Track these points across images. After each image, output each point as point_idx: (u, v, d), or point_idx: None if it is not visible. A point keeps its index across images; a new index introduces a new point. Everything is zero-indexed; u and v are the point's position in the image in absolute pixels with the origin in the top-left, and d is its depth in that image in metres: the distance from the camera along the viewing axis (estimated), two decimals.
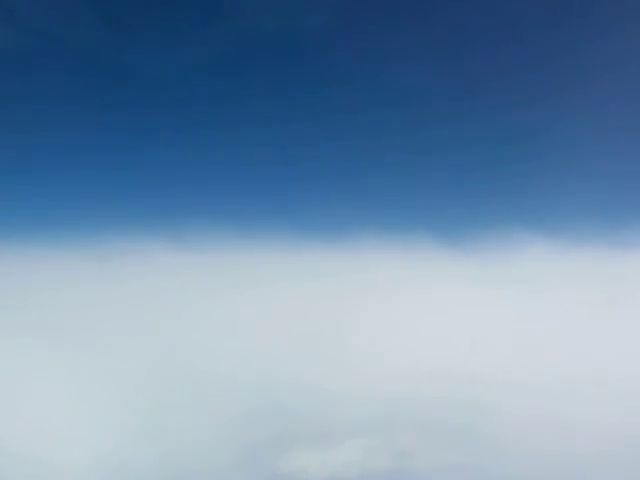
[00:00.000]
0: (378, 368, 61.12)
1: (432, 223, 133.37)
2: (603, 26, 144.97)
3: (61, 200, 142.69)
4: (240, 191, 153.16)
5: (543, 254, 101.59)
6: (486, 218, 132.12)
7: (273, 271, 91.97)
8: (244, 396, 56.46)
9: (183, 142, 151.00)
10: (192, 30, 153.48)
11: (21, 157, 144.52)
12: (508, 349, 65.39)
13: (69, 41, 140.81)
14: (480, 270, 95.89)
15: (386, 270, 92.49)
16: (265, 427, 52.32)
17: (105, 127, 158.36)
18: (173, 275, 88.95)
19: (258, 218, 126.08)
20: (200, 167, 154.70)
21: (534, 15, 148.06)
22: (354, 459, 49.41)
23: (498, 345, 66.38)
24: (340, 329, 71.22)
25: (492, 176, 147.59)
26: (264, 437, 51.23)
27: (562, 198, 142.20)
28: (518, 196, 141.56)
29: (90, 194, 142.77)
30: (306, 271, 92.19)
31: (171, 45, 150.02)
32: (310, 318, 74.20)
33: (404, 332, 71.85)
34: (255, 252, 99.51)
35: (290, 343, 67.01)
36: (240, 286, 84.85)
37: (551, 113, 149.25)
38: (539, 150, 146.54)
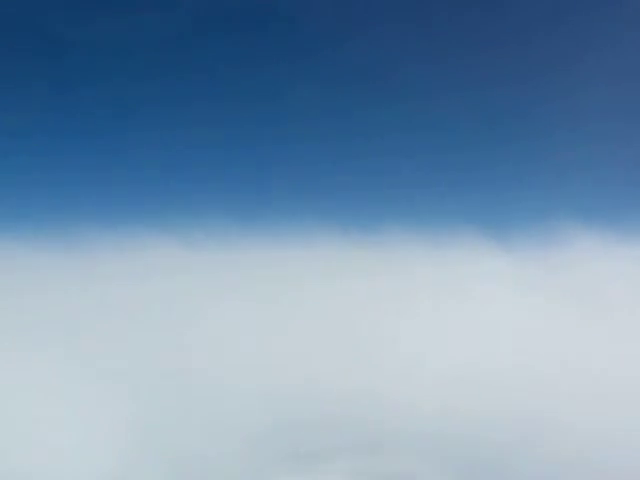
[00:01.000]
0: (390, 377, 54.74)
1: (473, 216, 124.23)
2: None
3: (56, 194, 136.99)
4: (254, 185, 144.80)
5: (602, 251, 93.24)
6: (534, 209, 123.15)
7: (295, 270, 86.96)
8: (244, 406, 50.95)
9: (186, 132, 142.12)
10: None
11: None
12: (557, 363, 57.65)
13: None
14: (526, 268, 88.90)
15: (420, 268, 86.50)
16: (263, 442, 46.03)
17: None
18: (183, 274, 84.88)
19: (278, 214, 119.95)
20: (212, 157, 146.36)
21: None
22: None
23: (545, 358, 58.80)
24: (359, 334, 65.61)
25: (540, 164, 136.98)
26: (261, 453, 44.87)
27: (621, 188, 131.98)
28: (571, 185, 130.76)
29: (88, 188, 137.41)
30: (332, 269, 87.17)
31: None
32: (331, 320, 69.51)
33: (435, 339, 65.74)
34: (278, 250, 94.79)
35: (304, 347, 61.86)
36: (262, 286, 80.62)
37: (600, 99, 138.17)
38: (593, 134, 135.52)
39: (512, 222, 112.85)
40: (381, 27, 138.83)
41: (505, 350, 62.31)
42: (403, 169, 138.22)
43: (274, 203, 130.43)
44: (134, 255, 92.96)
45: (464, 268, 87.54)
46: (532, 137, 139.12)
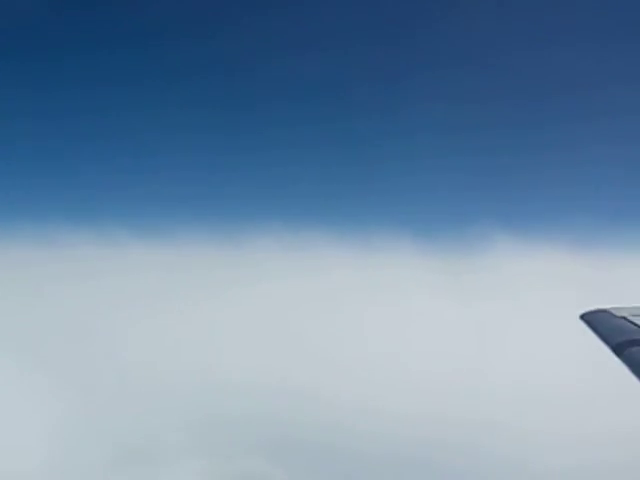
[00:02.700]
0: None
1: (396, 220, 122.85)
2: None
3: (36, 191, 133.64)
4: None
5: (524, 256, 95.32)
6: (456, 214, 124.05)
7: (225, 271, 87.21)
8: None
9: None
10: None
11: None
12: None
13: None
14: (448, 273, 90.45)
15: (342, 272, 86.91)
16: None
17: None
18: (155, 273, 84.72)
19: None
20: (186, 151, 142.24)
21: None
22: None
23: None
24: (276, 334, 66.50)
25: (463, 169, 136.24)
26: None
27: (556, 198, 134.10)
28: (493, 190, 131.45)
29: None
30: (256, 271, 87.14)
31: None
32: (250, 322, 69.96)
33: (354, 341, 66.73)
34: (208, 251, 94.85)
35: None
36: (189, 287, 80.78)
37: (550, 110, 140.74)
38: (528, 143, 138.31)
39: (434, 227, 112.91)
40: None
41: (424, 352, 63.39)
42: (328, 174, 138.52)
43: (208, 205, 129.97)
44: (107, 253, 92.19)
45: (387, 272, 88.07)
46: (457, 142, 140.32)
